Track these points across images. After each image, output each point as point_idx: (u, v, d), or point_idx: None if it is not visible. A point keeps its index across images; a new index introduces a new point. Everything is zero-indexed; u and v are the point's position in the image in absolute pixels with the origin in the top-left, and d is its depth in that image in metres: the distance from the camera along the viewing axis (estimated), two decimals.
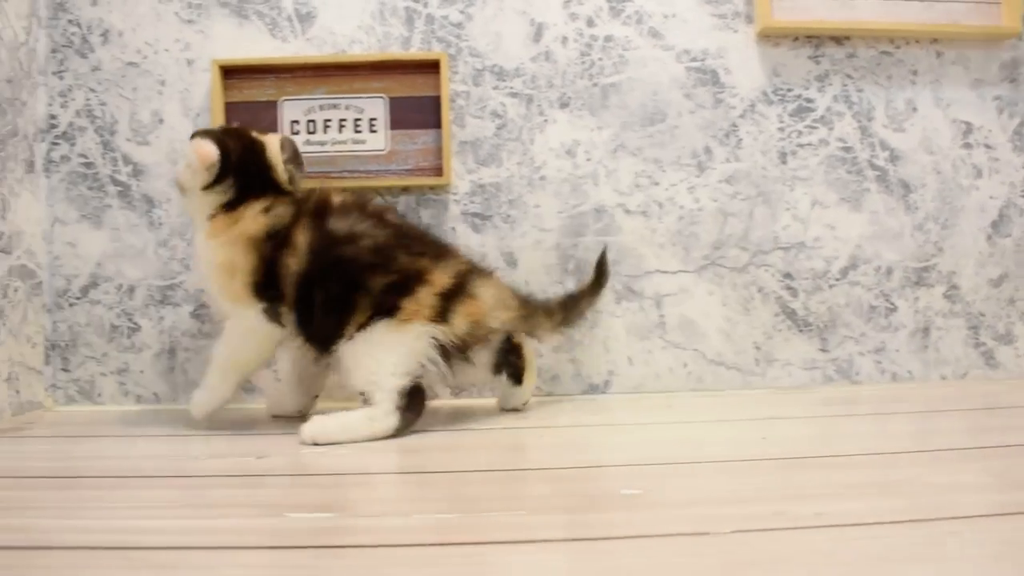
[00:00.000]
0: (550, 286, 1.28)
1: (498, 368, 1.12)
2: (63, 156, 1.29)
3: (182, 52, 1.29)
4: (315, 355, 1.05)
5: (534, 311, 1.11)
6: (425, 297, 0.99)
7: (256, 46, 1.28)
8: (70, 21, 1.29)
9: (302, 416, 1.10)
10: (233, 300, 1.03)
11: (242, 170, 1.06)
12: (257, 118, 1.26)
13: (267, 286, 1.02)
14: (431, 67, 1.26)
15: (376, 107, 1.27)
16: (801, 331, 1.30)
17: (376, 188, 1.27)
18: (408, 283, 0.99)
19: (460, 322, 1.00)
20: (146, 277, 1.27)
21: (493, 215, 1.29)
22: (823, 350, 1.30)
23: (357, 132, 1.27)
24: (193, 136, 1.07)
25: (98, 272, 1.28)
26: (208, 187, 1.05)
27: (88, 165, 1.28)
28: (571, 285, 1.28)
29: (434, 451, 0.94)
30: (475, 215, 1.28)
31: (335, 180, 1.26)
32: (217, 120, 1.25)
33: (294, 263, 1.01)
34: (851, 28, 1.29)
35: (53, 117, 1.29)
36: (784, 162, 1.30)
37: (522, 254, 1.28)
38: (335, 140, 1.27)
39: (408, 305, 0.98)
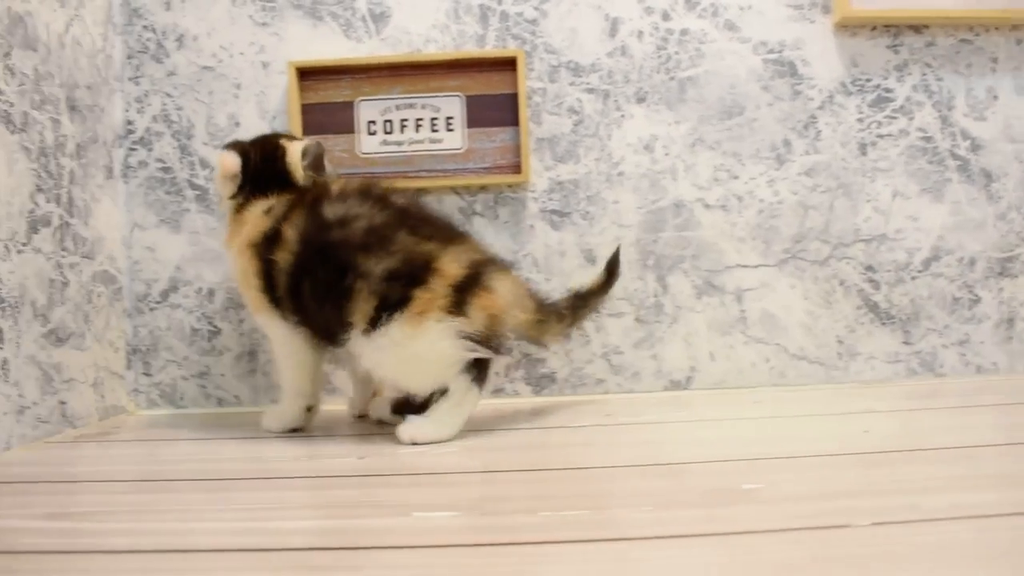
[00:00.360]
0: (630, 282, 1.27)
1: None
2: (140, 161, 1.29)
3: (257, 55, 1.29)
4: (325, 349, 1.03)
5: (548, 315, 1.04)
6: (439, 287, 0.93)
7: (330, 47, 1.28)
8: (145, 27, 1.29)
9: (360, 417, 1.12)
10: (256, 311, 1.03)
11: (255, 176, 1.06)
12: (334, 119, 1.26)
13: (270, 288, 1.00)
14: (507, 64, 1.25)
15: (452, 106, 1.26)
16: (884, 324, 1.28)
17: (454, 187, 1.27)
18: (416, 271, 0.93)
19: (478, 316, 0.94)
20: (224, 280, 1.28)
21: (572, 212, 1.28)
22: (906, 343, 1.29)
23: (434, 131, 1.27)
24: (224, 148, 1.07)
25: (177, 276, 1.28)
26: (233, 196, 1.06)
27: (166, 170, 1.29)
28: (652, 281, 1.27)
29: (526, 449, 0.94)
30: (554, 212, 1.28)
31: (412, 180, 1.26)
32: (295, 122, 1.25)
33: (283, 257, 0.98)
34: (930, 16, 1.27)
35: (130, 123, 1.29)
36: (864, 153, 1.28)
37: (601, 251, 1.27)
38: (412, 140, 1.27)
39: (422, 295, 0.92)
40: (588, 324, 1.28)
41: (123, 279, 1.28)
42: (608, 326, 1.28)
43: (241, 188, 1.06)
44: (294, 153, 1.06)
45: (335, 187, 1.02)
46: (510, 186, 1.27)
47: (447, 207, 1.28)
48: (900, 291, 1.29)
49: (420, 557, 0.59)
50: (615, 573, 0.54)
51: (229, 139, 1.26)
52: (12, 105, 1.03)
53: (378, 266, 0.93)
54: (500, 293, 0.96)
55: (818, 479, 0.76)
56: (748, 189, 1.28)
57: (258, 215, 1.03)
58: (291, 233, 0.98)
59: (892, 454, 0.84)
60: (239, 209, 1.06)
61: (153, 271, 1.28)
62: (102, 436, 1.10)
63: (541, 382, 1.28)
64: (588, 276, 1.16)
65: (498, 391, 1.28)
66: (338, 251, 0.94)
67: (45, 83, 1.11)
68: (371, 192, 1.00)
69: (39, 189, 1.08)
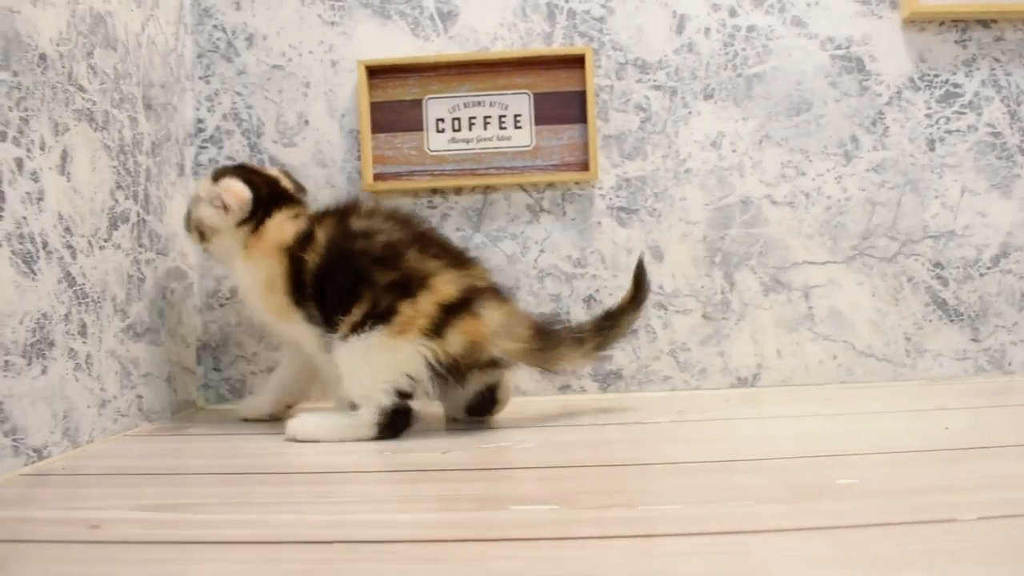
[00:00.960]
0: (697, 279, 1.27)
1: (470, 410, 1.09)
2: (211, 159, 1.31)
3: (326, 54, 1.30)
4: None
5: (552, 343, 1.02)
6: (424, 305, 0.96)
7: (399, 45, 1.29)
8: (215, 26, 1.31)
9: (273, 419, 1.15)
10: (281, 316, 1.06)
11: (266, 198, 1.10)
12: (402, 117, 1.27)
13: (298, 288, 1.04)
14: (575, 62, 1.26)
15: (520, 103, 1.27)
16: (952, 321, 1.28)
17: (522, 184, 1.28)
18: (410, 284, 0.97)
19: (456, 339, 0.96)
20: None
21: (639, 209, 1.28)
22: (975, 340, 1.28)
23: (502, 128, 1.27)
24: (216, 178, 1.09)
25: None
26: (241, 222, 1.09)
27: None
28: (719, 277, 1.27)
29: (605, 445, 0.94)
30: (621, 209, 1.28)
31: (481, 177, 1.27)
32: (364, 120, 1.26)
33: (312, 259, 1.02)
34: (998, 10, 1.27)
35: (201, 121, 1.31)
36: (932, 149, 1.28)
37: (668, 247, 1.27)
38: (480, 137, 1.27)
39: (405, 310, 0.96)
40: (655, 321, 1.28)
41: (194, 275, 1.30)
42: (675, 323, 1.28)
43: (254, 211, 1.09)
44: (285, 180, 1.14)
45: (365, 205, 1.08)
46: (578, 183, 1.28)
47: (515, 204, 1.29)
48: (968, 288, 1.28)
49: (528, 550, 0.59)
50: (725, 566, 0.54)
51: (299, 137, 1.28)
52: (94, 104, 1.05)
53: (385, 278, 0.98)
54: (486, 321, 0.98)
55: (910, 474, 0.76)
56: (816, 186, 1.28)
57: (283, 221, 1.08)
58: (321, 237, 1.04)
59: (975, 450, 0.84)
60: (255, 229, 1.08)
61: (222, 267, 1.29)
62: (177, 430, 1.12)
63: (608, 379, 1.28)
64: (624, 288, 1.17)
65: (565, 387, 1.29)
66: (358, 260, 1.00)
67: (124, 82, 1.12)
68: (396, 215, 1.06)
69: (119, 186, 1.10)
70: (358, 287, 0.98)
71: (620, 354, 1.28)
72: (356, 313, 0.98)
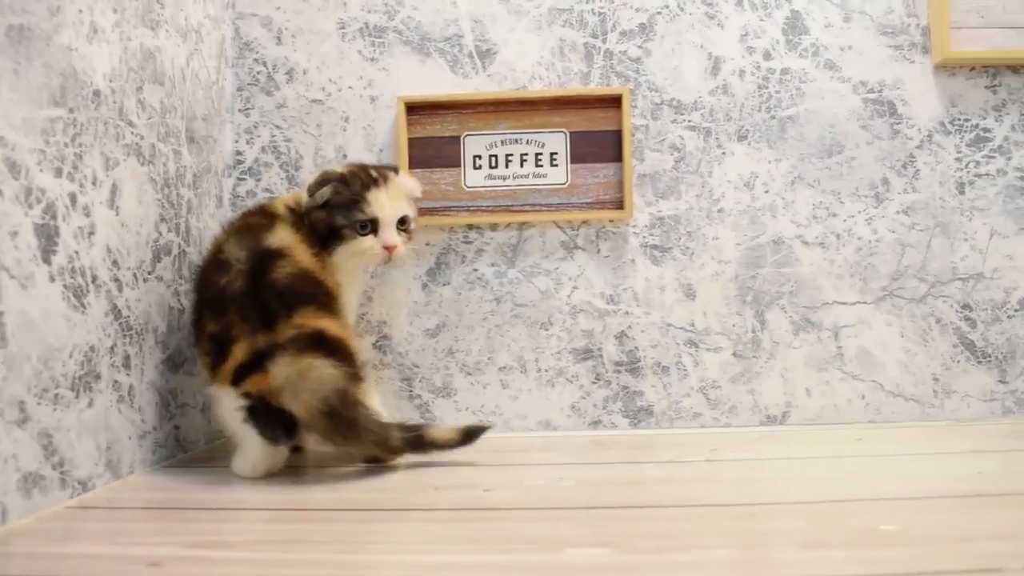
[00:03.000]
0: (728, 317, 1.28)
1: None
2: (249, 191, 1.32)
3: (365, 89, 1.32)
4: None
5: (347, 424, 0.94)
6: (233, 357, 0.97)
7: (437, 83, 1.31)
8: (255, 60, 1.33)
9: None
10: None
11: None
12: (440, 153, 1.29)
13: None
14: (612, 102, 1.28)
15: (557, 141, 1.29)
16: (980, 362, 1.29)
17: (556, 221, 1.29)
18: (226, 343, 0.98)
19: (252, 390, 0.96)
20: None
21: (672, 247, 1.29)
22: (1002, 381, 1.29)
23: (538, 166, 1.29)
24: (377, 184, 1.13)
25: None
26: None
27: None
28: (750, 316, 1.28)
29: (644, 484, 0.95)
30: (654, 247, 1.29)
31: (516, 214, 1.28)
32: (402, 156, 1.28)
33: None
34: None
35: (239, 153, 1.33)
36: (962, 192, 1.29)
37: (700, 285, 1.29)
38: (516, 174, 1.29)
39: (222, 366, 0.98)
40: (686, 358, 1.29)
41: None
42: (706, 360, 1.29)
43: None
44: None
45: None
46: (612, 221, 1.29)
47: (549, 241, 1.30)
48: (996, 330, 1.29)
49: None
50: None
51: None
52: (142, 138, 1.06)
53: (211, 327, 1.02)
54: (274, 375, 0.94)
55: (952, 520, 0.77)
56: (847, 227, 1.29)
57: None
58: None
59: (1012, 496, 0.85)
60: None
61: None
62: (211, 461, 1.12)
63: (639, 415, 1.29)
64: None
65: (595, 423, 1.30)
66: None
67: (169, 116, 1.14)
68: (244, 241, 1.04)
69: (162, 219, 1.12)
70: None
71: (651, 390, 1.29)
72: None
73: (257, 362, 0.95)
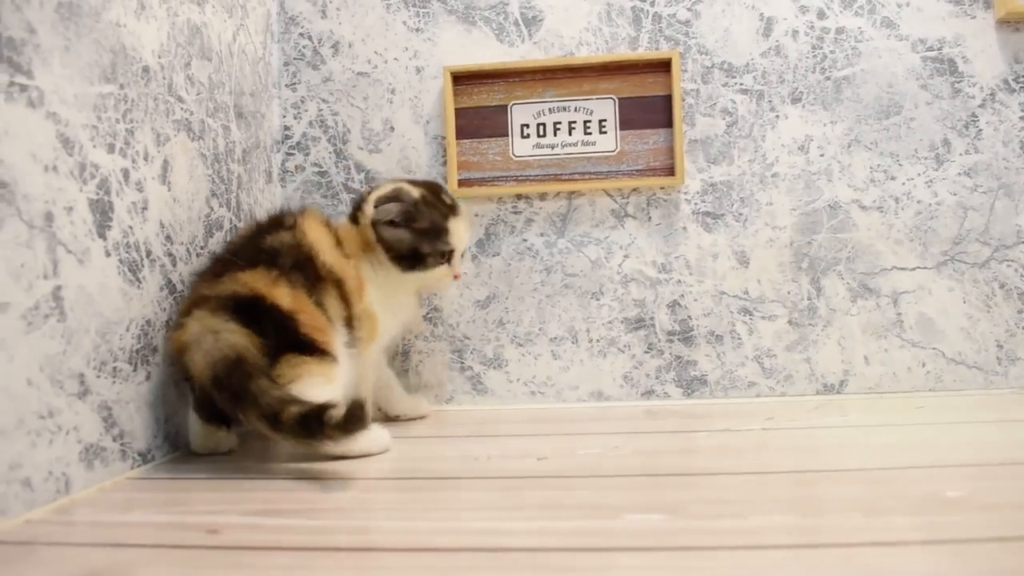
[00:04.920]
0: (783, 284, 1.26)
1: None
2: (298, 166, 1.32)
3: (411, 60, 1.31)
4: None
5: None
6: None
7: (483, 52, 1.30)
8: (301, 34, 1.33)
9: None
10: None
11: None
12: (487, 122, 1.28)
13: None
14: (661, 66, 1.25)
15: (605, 108, 1.27)
16: None
17: (606, 189, 1.27)
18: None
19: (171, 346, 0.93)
20: None
21: (725, 214, 1.27)
22: None
23: (587, 134, 1.27)
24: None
25: None
26: None
27: (322, 174, 1.32)
28: (806, 283, 1.26)
29: (697, 452, 0.94)
30: (706, 214, 1.27)
31: (565, 182, 1.27)
32: (449, 126, 1.27)
33: None
34: None
35: (287, 128, 1.33)
36: None
37: (754, 252, 1.26)
38: (565, 142, 1.27)
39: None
40: (740, 326, 1.27)
41: None
42: (761, 328, 1.27)
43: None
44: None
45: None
46: (663, 188, 1.27)
47: (599, 209, 1.28)
48: None
49: (648, 559, 0.59)
50: None
51: (384, 144, 1.29)
52: (192, 113, 1.07)
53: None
54: (186, 328, 0.90)
55: (1021, 488, 0.75)
56: (906, 190, 1.26)
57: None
58: None
59: None
60: None
61: None
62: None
63: (692, 384, 1.28)
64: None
65: (648, 393, 1.28)
66: None
67: (217, 91, 1.14)
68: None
69: (213, 194, 1.12)
70: None
71: (704, 360, 1.27)
72: None
73: (186, 312, 0.92)
